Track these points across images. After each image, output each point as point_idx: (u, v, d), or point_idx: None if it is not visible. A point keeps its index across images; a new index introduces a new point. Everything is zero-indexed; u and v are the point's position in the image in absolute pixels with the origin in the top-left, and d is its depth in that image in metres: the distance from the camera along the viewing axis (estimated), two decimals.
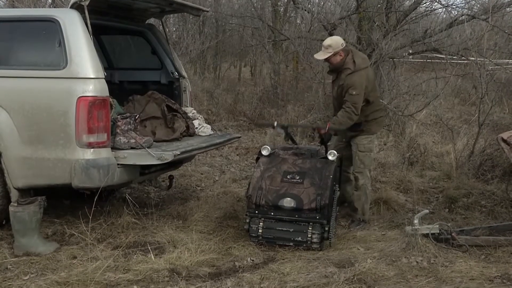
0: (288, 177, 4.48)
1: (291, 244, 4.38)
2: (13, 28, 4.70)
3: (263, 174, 4.53)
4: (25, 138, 4.37)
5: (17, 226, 4.19)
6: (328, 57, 4.95)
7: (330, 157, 4.57)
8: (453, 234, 4.42)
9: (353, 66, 4.95)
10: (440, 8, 10.09)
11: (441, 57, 9.96)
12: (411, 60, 11.19)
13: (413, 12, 9.45)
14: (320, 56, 5.02)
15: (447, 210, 5.54)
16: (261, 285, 3.66)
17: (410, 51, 9.38)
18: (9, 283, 3.60)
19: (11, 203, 4.31)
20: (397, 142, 8.45)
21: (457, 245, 4.36)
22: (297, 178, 4.47)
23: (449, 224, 4.63)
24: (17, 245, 4.19)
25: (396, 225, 4.99)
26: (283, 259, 4.18)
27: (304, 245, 4.34)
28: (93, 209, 4.14)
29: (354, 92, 4.87)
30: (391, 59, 9.19)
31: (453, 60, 9.72)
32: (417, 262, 4.05)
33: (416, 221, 4.38)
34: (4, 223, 4.46)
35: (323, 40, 5.17)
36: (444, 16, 11.56)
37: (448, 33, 9.33)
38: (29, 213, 4.18)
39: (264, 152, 4.75)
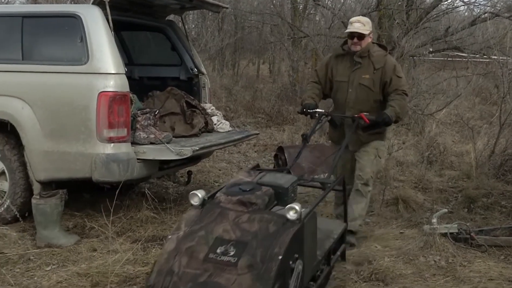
0: (217, 251, 2.66)
1: None
2: (36, 24, 4.79)
3: (180, 245, 2.73)
4: (47, 132, 4.46)
5: (39, 218, 4.28)
6: (368, 34, 4.35)
7: (289, 215, 2.72)
8: (472, 234, 4.41)
9: (384, 49, 4.53)
10: (462, 5, 10.06)
11: (462, 56, 9.91)
12: (432, 58, 11.14)
13: (434, 10, 9.41)
14: (361, 30, 4.30)
15: (466, 210, 5.51)
16: None
17: (431, 50, 9.34)
18: (32, 274, 3.70)
19: (34, 196, 4.40)
20: (416, 141, 8.42)
21: (476, 245, 4.35)
22: (231, 254, 2.66)
23: (468, 224, 4.62)
24: (39, 237, 4.28)
25: (414, 224, 4.99)
26: None
27: None
28: (114, 203, 4.20)
29: (401, 75, 4.38)
30: (411, 57, 9.16)
31: (475, 59, 9.65)
32: (435, 261, 4.05)
33: (434, 220, 4.38)
34: (26, 215, 4.54)
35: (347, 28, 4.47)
36: (466, 14, 11.49)
37: (471, 31, 9.28)
38: (50, 205, 4.27)
39: (194, 201, 2.96)
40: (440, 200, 5.87)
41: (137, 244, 4.25)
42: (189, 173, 5.67)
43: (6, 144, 4.62)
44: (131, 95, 4.59)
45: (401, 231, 4.83)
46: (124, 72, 4.46)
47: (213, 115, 5.70)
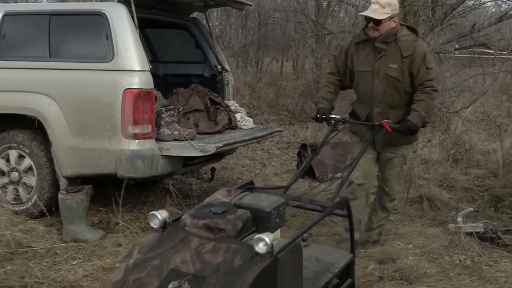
0: (169, 287, 2.18)
1: None
2: (63, 22, 4.86)
3: (128, 276, 2.27)
4: (73, 128, 4.51)
5: (65, 213, 4.35)
6: (385, 19, 3.70)
7: (257, 248, 2.20)
8: (498, 233, 4.34)
9: (414, 33, 3.89)
10: (490, 1, 9.88)
11: (489, 53, 9.76)
12: (458, 55, 10.99)
13: (460, 6, 9.28)
14: (375, 14, 3.68)
15: (493, 209, 5.42)
16: None
17: (457, 46, 9.22)
18: (58, 267, 3.77)
19: (60, 191, 4.47)
20: (442, 139, 8.31)
21: (503, 245, 4.28)
22: None
23: (494, 223, 4.55)
24: (66, 232, 4.34)
25: (439, 222, 4.93)
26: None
27: None
28: (141, 198, 4.24)
29: (431, 65, 3.77)
30: (437, 54, 9.04)
31: (502, 56, 9.50)
32: (460, 260, 4.00)
33: (459, 219, 4.33)
34: (53, 210, 4.61)
35: None
36: (494, 10, 11.31)
37: (498, 27, 9.13)
38: (77, 201, 4.33)
39: (154, 224, 2.50)
40: (466, 199, 5.79)
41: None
42: (213, 169, 5.70)
43: (33, 140, 4.69)
44: (155, 92, 4.62)
45: (425, 229, 4.76)
46: (149, 69, 4.49)
47: (237, 112, 5.71)
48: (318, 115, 3.88)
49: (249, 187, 2.92)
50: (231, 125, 5.49)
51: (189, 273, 2.22)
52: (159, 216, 2.45)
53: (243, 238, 2.38)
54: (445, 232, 4.49)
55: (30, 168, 4.72)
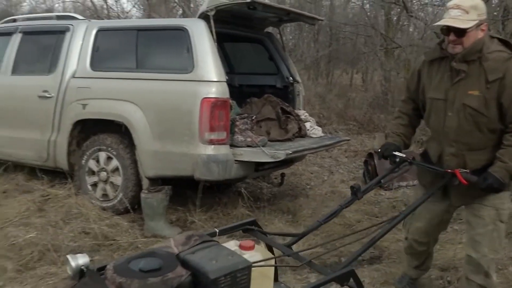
0: None
1: None
2: (149, 36, 5.03)
3: None
4: (155, 133, 4.64)
5: (147, 211, 4.48)
6: (470, 27, 2.59)
7: None
8: None
9: (509, 49, 2.69)
10: None
11: None
12: None
13: None
14: (457, 23, 2.58)
15: None
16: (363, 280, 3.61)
17: None
18: None
19: (143, 190, 4.62)
20: None
21: None
22: None
23: None
24: (147, 228, 4.47)
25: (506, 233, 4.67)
26: (389, 260, 4.06)
27: None
28: (216, 200, 4.28)
29: None
30: None
31: None
32: None
33: None
34: (136, 207, 4.76)
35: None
36: None
37: None
38: (157, 200, 4.46)
39: (68, 270, 1.87)
40: None
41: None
42: (283, 175, 5.70)
43: (120, 144, 4.86)
44: (230, 101, 4.68)
45: None
46: (225, 80, 4.55)
47: (307, 121, 5.69)
48: (379, 150, 3.08)
49: (247, 228, 2.37)
50: (301, 133, 5.47)
51: None
52: (72, 263, 1.81)
53: None
54: (510, 243, 4.25)
55: (116, 169, 4.89)
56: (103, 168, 4.96)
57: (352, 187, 2.74)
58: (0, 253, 3.72)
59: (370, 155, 6.66)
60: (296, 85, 5.93)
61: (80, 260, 1.81)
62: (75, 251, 3.85)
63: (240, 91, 6.01)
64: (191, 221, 4.73)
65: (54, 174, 5.38)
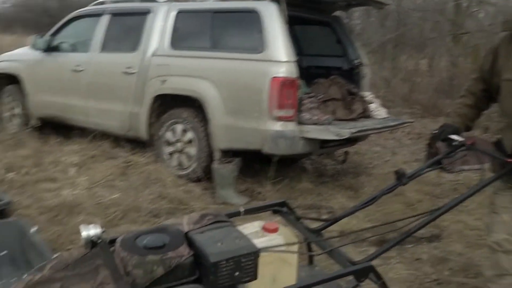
0: None
1: None
2: (223, 18, 5.21)
3: None
4: (228, 109, 4.84)
5: (218, 180, 4.71)
6: None
7: None
8: None
9: None
10: None
11: None
12: None
13: None
14: None
15: None
16: (417, 257, 3.65)
17: None
18: None
19: (214, 161, 4.85)
20: None
21: None
22: None
23: None
24: (217, 195, 4.70)
25: None
26: (448, 239, 4.05)
27: None
28: (281, 173, 4.38)
29: None
30: None
31: None
32: None
33: None
34: (208, 177, 4.98)
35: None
36: None
37: None
38: (228, 170, 4.67)
39: (81, 239, 1.72)
40: None
41: (296, 210, 4.46)
42: (346, 153, 5.77)
43: (195, 118, 5.08)
44: (299, 81, 4.80)
45: None
46: (294, 61, 4.65)
47: (371, 103, 5.70)
48: (436, 131, 2.61)
49: (276, 209, 2.15)
50: (365, 114, 5.49)
51: None
52: (84, 233, 1.72)
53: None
54: None
55: (191, 140, 5.12)
56: (179, 139, 5.21)
57: (396, 172, 2.40)
58: (89, 211, 4.06)
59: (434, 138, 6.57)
60: (362, 67, 5.94)
61: (92, 230, 1.72)
62: (153, 213, 4.17)
63: (308, 72, 6.06)
64: (258, 191, 4.91)
65: (136, 143, 5.68)
